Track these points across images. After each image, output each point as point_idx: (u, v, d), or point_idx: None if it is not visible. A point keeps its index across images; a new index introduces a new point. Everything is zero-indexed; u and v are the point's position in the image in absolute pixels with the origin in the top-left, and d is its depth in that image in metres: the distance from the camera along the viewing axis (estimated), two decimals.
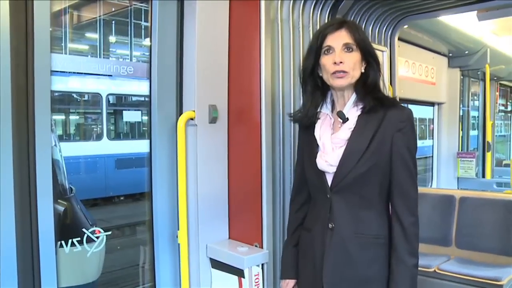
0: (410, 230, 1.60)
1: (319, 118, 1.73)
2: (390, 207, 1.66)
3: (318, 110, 1.74)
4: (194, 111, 2.12)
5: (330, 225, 1.65)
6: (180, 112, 2.19)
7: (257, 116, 2.13)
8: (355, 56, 1.63)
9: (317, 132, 1.71)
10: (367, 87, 1.65)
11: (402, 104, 1.75)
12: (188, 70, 2.17)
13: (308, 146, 1.76)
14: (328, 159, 1.64)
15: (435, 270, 3.49)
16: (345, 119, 1.65)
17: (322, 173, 1.67)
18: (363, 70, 1.65)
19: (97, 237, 2.12)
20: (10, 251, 1.71)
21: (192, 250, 2.15)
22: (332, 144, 1.66)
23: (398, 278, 1.59)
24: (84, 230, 2.10)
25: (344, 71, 1.62)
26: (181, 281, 2.16)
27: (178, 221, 2.13)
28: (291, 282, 1.85)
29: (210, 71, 2.18)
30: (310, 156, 1.72)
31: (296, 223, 1.86)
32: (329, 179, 1.66)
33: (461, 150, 5.46)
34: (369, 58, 1.66)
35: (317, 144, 1.70)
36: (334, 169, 1.63)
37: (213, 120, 2.16)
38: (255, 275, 2.08)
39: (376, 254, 1.64)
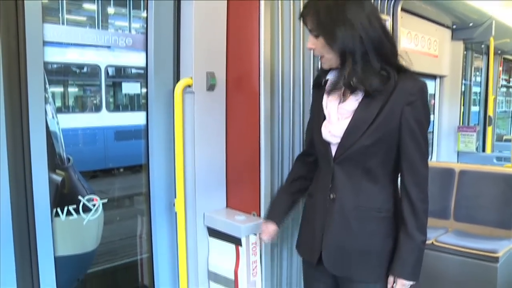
0: (419, 206, 1.57)
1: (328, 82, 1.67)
2: (399, 182, 1.63)
3: (328, 78, 1.67)
4: (191, 78, 2.07)
5: (331, 196, 1.64)
6: (177, 79, 2.14)
7: (255, 84, 2.09)
8: (320, 41, 1.57)
9: (325, 101, 1.66)
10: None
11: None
12: (186, 36, 2.12)
13: (316, 111, 1.72)
14: (332, 129, 1.60)
15: (432, 242, 3.50)
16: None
17: (327, 143, 1.64)
18: None
19: (94, 205, 2.11)
20: (5, 220, 1.70)
21: (189, 218, 2.15)
22: (338, 114, 1.60)
23: (405, 254, 1.58)
24: (80, 197, 2.09)
25: (320, 56, 1.61)
26: (178, 250, 2.16)
27: (175, 189, 2.11)
28: (271, 226, 1.85)
29: (208, 37, 2.13)
30: (317, 123, 1.68)
31: (297, 173, 1.87)
32: (333, 149, 1.62)
33: (462, 124, 5.43)
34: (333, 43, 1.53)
35: (324, 113, 1.65)
36: (338, 140, 1.59)
37: (210, 87, 2.12)
38: (252, 244, 2.08)
39: (376, 227, 1.62)
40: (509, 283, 3.54)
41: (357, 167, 1.60)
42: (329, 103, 1.64)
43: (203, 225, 2.19)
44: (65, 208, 2.01)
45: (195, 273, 2.21)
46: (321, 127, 1.64)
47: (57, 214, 1.99)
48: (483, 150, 5.60)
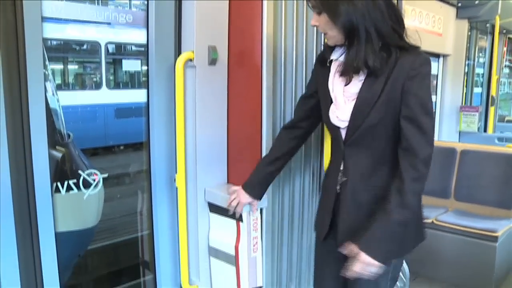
0: (408, 185, 1.47)
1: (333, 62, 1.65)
2: None
3: (333, 58, 1.65)
4: (193, 51, 2.04)
5: (343, 178, 1.65)
6: (178, 53, 2.11)
7: (258, 59, 2.05)
8: (323, 18, 1.54)
9: (331, 83, 1.63)
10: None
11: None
12: (188, 9, 2.08)
13: (322, 93, 1.69)
14: (339, 114, 1.59)
15: (433, 221, 3.52)
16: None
17: (336, 127, 1.63)
18: None
19: (94, 180, 2.10)
20: (5, 196, 1.69)
21: (190, 194, 2.14)
22: (344, 98, 1.59)
23: (375, 228, 1.50)
24: (80, 172, 2.08)
25: (324, 32, 1.59)
26: (178, 226, 2.16)
27: (176, 165, 2.10)
28: (247, 195, 1.90)
29: (210, 11, 2.08)
30: (325, 106, 1.67)
31: (281, 150, 1.88)
32: (343, 132, 1.62)
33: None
34: (336, 20, 1.50)
35: (330, 96, 1.63)
36: (346, 124, 1.59)
37: (212, 61, 2.08)
38: (253, 220, 2.07)
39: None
40: (508, 262, 3.56)
41: (366, 148, 1.59)
42: (335, 86, 1.61)
43: (204, 201, 2.18)
44: (66, 183, 2.01)
45: (196, 248, 2.22)
46: (328, 111, 1.63)
47: (57, 190, 1.98)
48: (485, 130, 5.59)
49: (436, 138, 4.99)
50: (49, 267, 1.86)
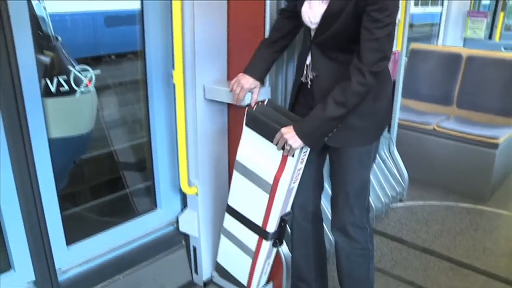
0: (353, 88, 1.55)
1: None
2: None
3: None
4: None
5: (314, 74, 1.73)
6: None
7: None
8: None
9: None
10: None
11: None
12: None
13: None
14: (311, 16, 1.64)
15: (434, 128, 3.49)
16: None
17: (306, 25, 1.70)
18: None
19: (86, 76, 1.99)
20: None
21: (188, 91, 2.03)
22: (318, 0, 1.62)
23: (311, 115, 1.64)
24: (71, 68, 1.96)
25: None
26: (177, 128, 2.09)
27: (173, 63, 1.98)
28: (250, 79, 1.86)
29: None
30: (300, 3, 1.68)
31: (280, 31, 1.85)
32: (312, 32, 1.68)
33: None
34: None
35: None
36: (316, 26, 1.65)
37: None
38: (303, 153, 1.80)
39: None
40: (506, 168, 3.60)
41: (333, 49, 1.66)
42: None
43: (202, 98, 2.06)
44: (55, 80, 1.89)
45: (195, 148, 2.14)
46: (301, 7, 1.67)
47: (49, 92, 1.89)
48: (490, 37, 5.40)
49: (440, 43, 4.84)
50: (44, 174, 1.82)
